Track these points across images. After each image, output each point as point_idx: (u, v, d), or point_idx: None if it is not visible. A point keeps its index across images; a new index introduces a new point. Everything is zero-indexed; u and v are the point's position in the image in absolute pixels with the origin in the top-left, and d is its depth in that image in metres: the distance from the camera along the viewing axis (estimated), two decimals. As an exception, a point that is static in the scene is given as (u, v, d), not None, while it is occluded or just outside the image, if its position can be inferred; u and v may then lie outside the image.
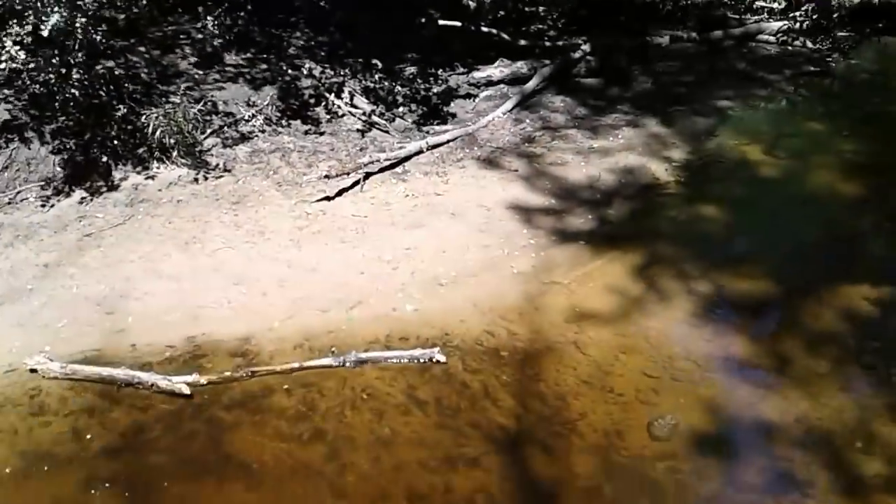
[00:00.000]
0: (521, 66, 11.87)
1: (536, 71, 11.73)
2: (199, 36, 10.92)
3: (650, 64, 12.64)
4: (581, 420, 6.24)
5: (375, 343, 6.94)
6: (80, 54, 8.82)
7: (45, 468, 5.50)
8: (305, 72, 10.86)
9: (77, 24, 8.50)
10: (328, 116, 10.43)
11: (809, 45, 13.51)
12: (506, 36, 12.16)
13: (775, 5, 14.25)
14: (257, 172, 9.30)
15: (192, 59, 10.71)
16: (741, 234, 8.75)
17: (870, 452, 5.87)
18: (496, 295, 7.60)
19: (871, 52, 13.47)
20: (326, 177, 8.94)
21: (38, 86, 8.96)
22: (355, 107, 10.58)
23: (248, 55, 11.02)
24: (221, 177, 9.17)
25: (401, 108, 10.88)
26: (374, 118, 10.48)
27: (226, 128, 9.87)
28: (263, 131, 9.97)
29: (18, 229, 8.12)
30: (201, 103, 9.85)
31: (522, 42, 12.37)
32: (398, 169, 9.53)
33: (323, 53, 11.41)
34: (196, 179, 9.08)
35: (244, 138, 9.80)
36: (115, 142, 9.13)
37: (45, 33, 8.16)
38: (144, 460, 5.69)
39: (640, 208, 9.12)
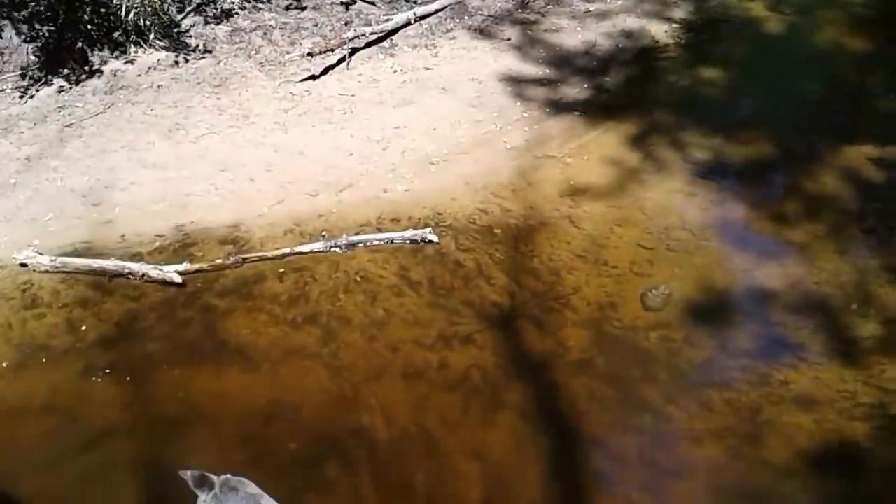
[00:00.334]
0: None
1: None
2: None
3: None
4: (574, 294, 6.22)
5: (367, 226, 6.85)
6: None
7: (43, 360, 5.56)
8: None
9: None
10: (310, -11, 9.90)
11: None
12: None
13: None
14: (239, 53, 8.92)
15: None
16: (743, 96, 8.42)
17: (865, 314, 5.85)
18: (489, 171, 7.42)
19: None
20: (310, 54, 8.59)
21: (3, -31, 8.49)
22: (338, -23, 10.01)
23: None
24: (202, 59, 8.81)
25: (387, -24, 10.29)
26: (359, -11, 9.93)
27: (204, 6, 9.40)
28: (244, 8, 9.50)
29: (-3, 122, 7.92)
30: (177, -20, 9.34)
31: None
32: (385, 43, 9.11)
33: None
34: (176, 63, 8.73)
35: (224, 16, 9.35)
36: (90, 26, 8.73)
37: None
38: (141, 348, 5.73)
39: (638, 74, 8.76)
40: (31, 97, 8.28)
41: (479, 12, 9.67)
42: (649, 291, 6.16)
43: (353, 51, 8.84)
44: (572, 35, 9.26)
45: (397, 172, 7.37)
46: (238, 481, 4.33)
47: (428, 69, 8.70)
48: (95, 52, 8.76)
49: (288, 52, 8.84)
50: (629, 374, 5.62)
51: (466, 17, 9.56)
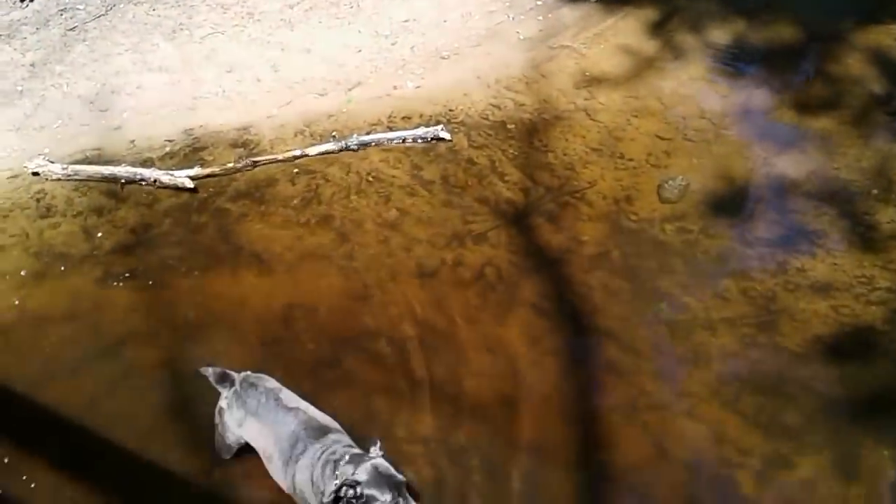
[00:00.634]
0: None
1: None
2: None
3: None
4: (590, 188, 6.12)
5: (378, 125, 6.73)
6: None
7: (62, 268, 5.62)
8: None
9: None
10: None
11: None
12: None
13: None
14: (239, -53, 8.57)
15: None
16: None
17: (886, 200, 5.71)
18: (501, 65, 7.20)
19: None
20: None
21: None
22: None
23: None
24: (202, -45, 8.47)
25: None
26: None
27: None
28: None
29: (-1, 29, 7.77)
30: None
31: None
32: (391, -68, 8.69)
33: None
34: (175, -40, 8.41)
35: None
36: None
37: None
38: (157, 254, 5.78)
39: (658, -44, 8.31)
40: (32, 0, 8.07)
41: None
42: (666, 183, 6.05)
43: (358, -59, 8.45)
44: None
45: (407, 69, 7.17)
46: (257, 377, 4.43)
47: (436, -42, 8.32)
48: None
49: (290, -55, 8.48)
50: (645, 267, 5.59)
51: None
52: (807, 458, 4.56)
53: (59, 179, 6.20)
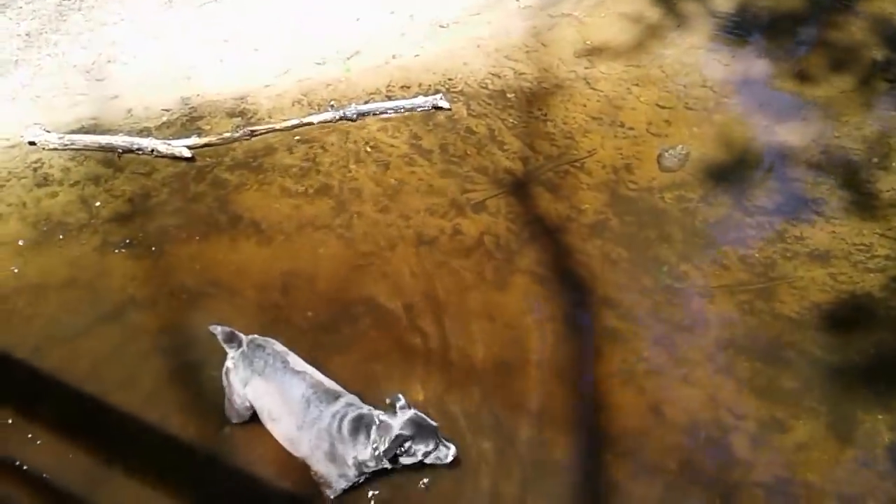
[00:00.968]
0: None
1: None
2: None
3: None
4: (589, 157, 6.10)
5: (376, 94, 6.69)
6: None
7: (60, 236, 5.60)
8: None
9: None
10: None
11: None
12: None
13: None
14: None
15: None
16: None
17: (886, 167, 5.71)
18: (501, 33, 7.14)
19: None
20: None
21: None
22: None
23: None
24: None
25: None
26: None
27: None
28: None
29: (-7, -1, 7.68)
30: None
31: None
32: None
33: None
34: (171, -72, 8.31)
35: None
36: None
37: None
38: (155, 223, 5.75)
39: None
40: (26, -30, 7.98)
41: None
42: (666, 152, 6.02)
43: None
44: None
45: (406, 37, 7.11)
46: (264, 340, 4.43)
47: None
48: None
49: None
50: (644, 235, 5.59)
51: None
52: (802, 422, 4.60)
53: (55, 149, 6.17)
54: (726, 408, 4.65)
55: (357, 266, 5.53)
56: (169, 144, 6.16)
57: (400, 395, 4.18)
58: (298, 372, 4.30)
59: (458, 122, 6.44)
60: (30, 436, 4.57)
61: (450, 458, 4.14)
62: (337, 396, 4.26)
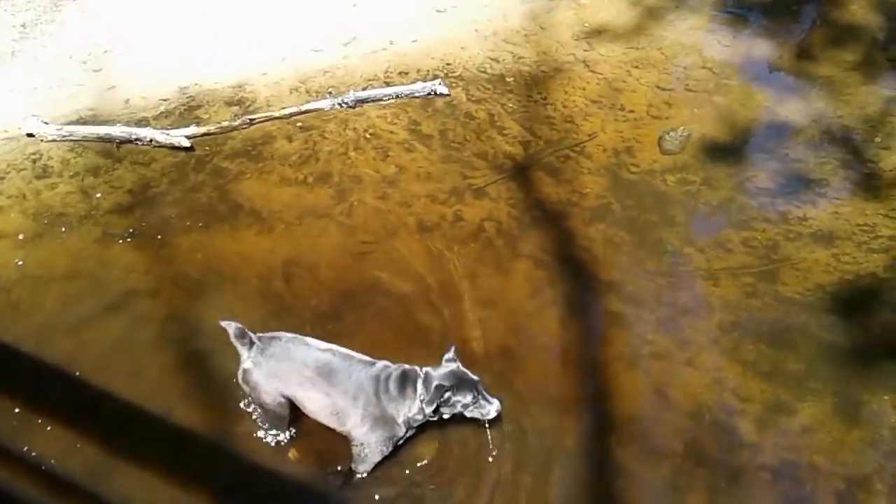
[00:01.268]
0: None
1: None
2: None
3: None
4: (590, 141, 6.08)
5: (374, 80, 6.65)
6: None
7: (61, 228, 5.58)
8: None
9: None
10: None
11: None
12: None
13: None
14: None
15: None
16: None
17: (889, 147, 5.69)
18: (499, 17, 7.10)
19: None
20: None
21: None
22: None
23: None
24: None
25: None
26: None
27: None
28: None
29: (-13, -10, 7.62)
30: None
31: None
32: None
33: None
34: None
35: None
36: None
37: None
38: (156, 213, 5.72)
39: None
40: (19, -39, 7.91)
41: None
42: (667, 134, 6.00)
43: None
44: None
45: (403, 22, 7.07)
46: (274, 333, 4.36)
47: None
48: None
49: None
50: (646, 218, 5.58)
51: None
52: (807, 403, 4.59)
53: (54, 140, 6.14)
54: (731, 390, 4.65)
55: (359, 254, 5.51)
56: (167, 134, 6.12)
57: (452, 346, 4.31)
58: (325, 349, 4.30)
59: (458, 108, 6.41)
60: (39, 421, 4.56)
61: (492, 414, 4.23)
62: (372, 363, 4.31)
